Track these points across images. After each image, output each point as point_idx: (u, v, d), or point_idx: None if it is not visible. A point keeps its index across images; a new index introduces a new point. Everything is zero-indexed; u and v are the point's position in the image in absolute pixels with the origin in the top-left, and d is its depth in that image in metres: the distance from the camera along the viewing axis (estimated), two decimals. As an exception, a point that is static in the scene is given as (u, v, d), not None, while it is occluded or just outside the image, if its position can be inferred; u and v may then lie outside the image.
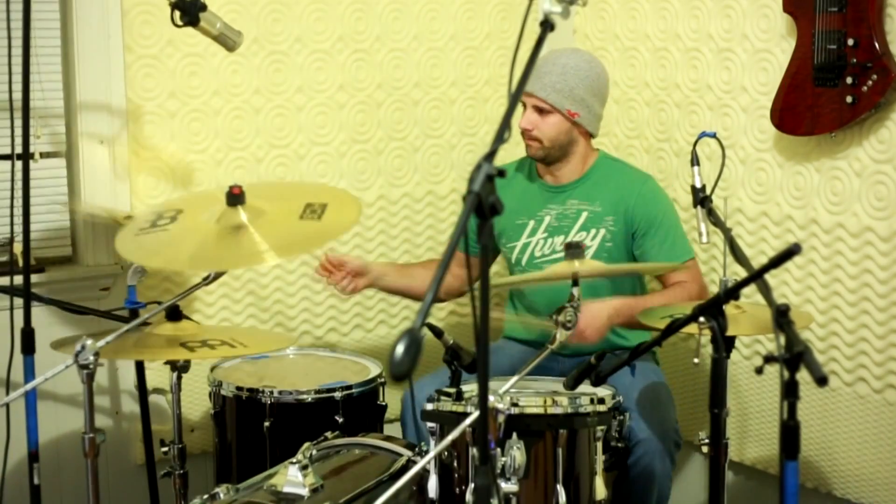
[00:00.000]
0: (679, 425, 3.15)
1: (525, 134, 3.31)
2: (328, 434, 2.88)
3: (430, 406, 2.71)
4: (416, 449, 2.75)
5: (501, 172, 1.68)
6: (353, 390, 3.09)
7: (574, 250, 2.69)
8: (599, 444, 2.73)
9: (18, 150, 2.67)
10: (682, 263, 3.26)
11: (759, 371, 1.98)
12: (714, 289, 3.44)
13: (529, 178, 3.46)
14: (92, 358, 2.36)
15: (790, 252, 1.97)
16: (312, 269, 3.41)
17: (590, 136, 3.37)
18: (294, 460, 2.53)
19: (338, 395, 3.05)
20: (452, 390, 2.71)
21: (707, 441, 2.41)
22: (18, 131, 2.66)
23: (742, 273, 2.40)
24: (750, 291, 3.04)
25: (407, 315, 3.92)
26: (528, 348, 3.37)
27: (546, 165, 3.37)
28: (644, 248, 3.29)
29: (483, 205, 1.67)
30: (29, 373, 2.67)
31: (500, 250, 3.49)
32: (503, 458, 2.53)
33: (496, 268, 3.79)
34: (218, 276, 2.54)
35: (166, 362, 2.90)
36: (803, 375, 1.86)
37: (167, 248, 2.51)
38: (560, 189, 3.38)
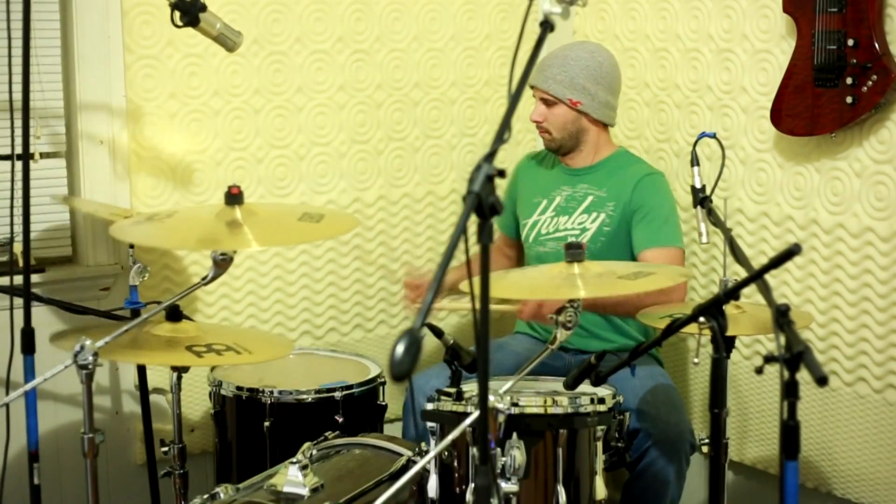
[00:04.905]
0: (693, 427, 3.20)
1: (537, 126, 3.45)
2: (328, 434, 2.88)
3: (430, 406, 2.71)
4: (416, 449, 2.75)
5: (501, 172, 1.69)
6: (353, 390, 3.10)
7: (574, 251, 2.69)
8: (599, 444, 2.72)
9: (18, 150, 2.67)
10: (649, 249, 3.30)
11: (759, 371, 1.98)
12: (715, 288, 3.45)
13: (553, 160, 3.59)
14: (91, 358, 2.36)
15: (790, 252, 1.98)
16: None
17: (602, 124, 3.46)
18: (294, 460, 2.53)
19: (338, 395, 3.05)
20: (452, 390, 2.71)
21: (707, 441, 2.41)
22: (18, 131, 2.66)
23: (742, 273, 2.40)
24: (750, 291, 3.04)
25: (407, 315, 3.92)
26: (529, 349, 3.39)
27: (562, 155, 3.50)
28: (633, 232, 3.36)
29: (483, 205, 1.67)
30: (29, 373, 2.66)
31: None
32: (503, 458, 2.53)
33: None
34: (217, 275, 2.53)
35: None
36: (803, 375, 1.86)
37: (161, 233, 2.61)
38: (574, 173, 3.50)
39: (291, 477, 2.50)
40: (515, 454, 2.53)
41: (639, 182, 3.38)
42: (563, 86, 3.36)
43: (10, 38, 2.86)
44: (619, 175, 3.44)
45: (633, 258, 3.36)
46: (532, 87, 3.41)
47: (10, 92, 2.87)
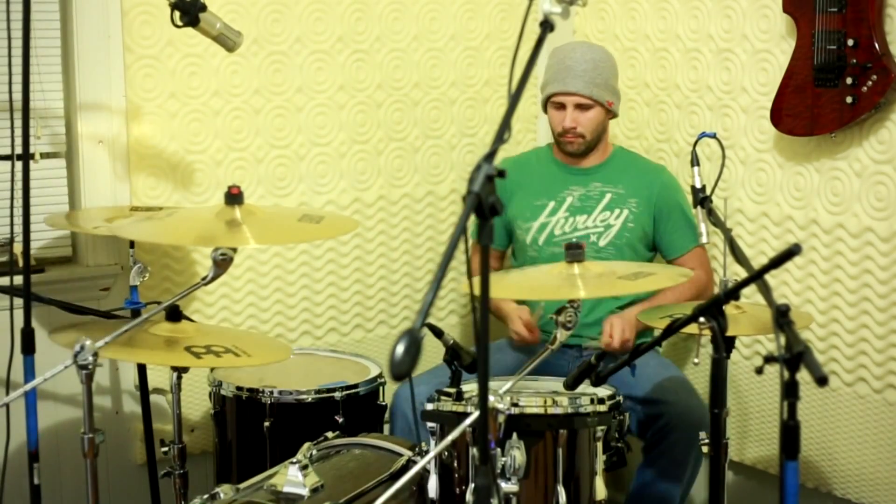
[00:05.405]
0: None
1: (568, 133, 3.45)
2: (328, 434, 2.88)
3: (430, 406, 2.71)
4: (416, 449, 2.75)
5: (501, 173, 1.69)
6: (354, 390, 3.09)
7: (574, 251, 2.68)
8: (599, 444, 2.72)
9: (18, 150, 2.67)
10: (688, 252, 3.45)
11: (759, 371, 1.98)
12: (715, 288, 3.45)
13: (548, 161, 3.58)
14: (91, 358, 2.35)
15: (790, 252, 1.97)
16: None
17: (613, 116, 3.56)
18: (294, 460, 2.53)
19: (338, 395, 3.05)
20: (452, 390, 2.71)
21: (707, 441, 2.41)
22: (18, 131, 2.66)
23: (742, 273, 2.40)
24: (750, 292, 3.04)
25: (407, 315, 3.92)
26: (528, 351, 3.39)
27: (582, 157, 3.50)
28: (665, 230, 3.46)
29: (483, 205, 1.66)
30: (29, 373, 2.67)
31: (513, 234, 3.58)
32: (503, 458, 2.53)
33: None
34: (217, 275, 2.53)
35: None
36: (803, 375, 1.86)
37: (160, 229, 2.64)
38: (583, 171, 3.52)
39: (291, 477, 2.50)
40: (515, 454, 2.53)
41: (663, 184, 3.48)
42: (602, 88, 3.41)
43: (10, 38, 2.86)
44: (631, 172, 3.50)
45: (661, 255, 3.49)
46: (564, 94, 3.40)
47: (10, 92, 2.87)
